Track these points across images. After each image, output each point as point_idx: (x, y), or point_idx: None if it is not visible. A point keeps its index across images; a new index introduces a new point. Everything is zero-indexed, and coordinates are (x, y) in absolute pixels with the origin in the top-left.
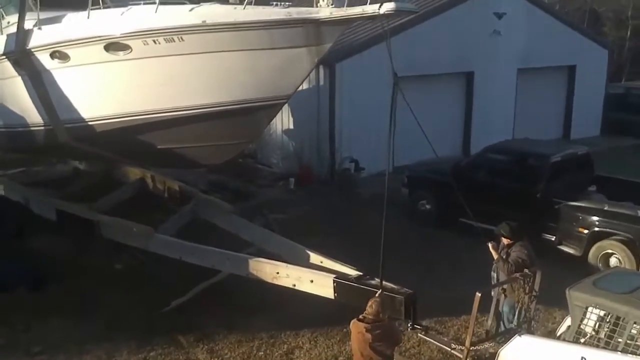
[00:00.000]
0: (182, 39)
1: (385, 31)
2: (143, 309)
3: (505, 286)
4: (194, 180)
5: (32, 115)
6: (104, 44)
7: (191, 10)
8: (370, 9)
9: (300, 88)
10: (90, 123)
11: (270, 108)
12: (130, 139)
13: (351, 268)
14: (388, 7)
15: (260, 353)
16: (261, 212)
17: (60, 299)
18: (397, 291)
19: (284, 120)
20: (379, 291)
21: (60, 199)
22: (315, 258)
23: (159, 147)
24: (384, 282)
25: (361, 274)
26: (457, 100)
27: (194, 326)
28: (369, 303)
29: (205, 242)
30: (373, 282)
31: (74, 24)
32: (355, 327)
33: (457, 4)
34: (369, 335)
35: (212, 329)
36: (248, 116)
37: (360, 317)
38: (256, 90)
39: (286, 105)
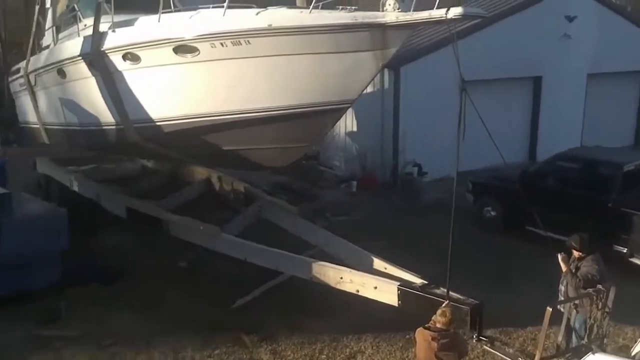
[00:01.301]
0: (248, 42)
1: (452, 35)
2: (207, 307)
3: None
4: (257, 182)
5: (105, 114)
6: (173, 46)
7: (258, 13)
8: (437, 13)
9: (364, 91)
10: (158, 123)
11: (335, 112)
12: (196, 140)
13: (416, 276)
14: (455, 11)
15: (322, 356)
16: (323, 214)
17: (129, 294)
18: (463, 301)
19: (347, 123)
20: (446, 301)
21: (129, 196)
22: (379, 264)
23: (224, 148)
24: (450, 292)
25: (426, 282)
26: (524, 105)
27: (257, 326)
28: (438, 312)
29: (266, 242)
30: (438, 291)
31: (145, 26)
32: (422, 335)
33: (527, 7)
34: (435, 344)
35: (274, 330)
36: (312, 119)
37: (427, 325)
38: (321, 93)
39: (350, 108)
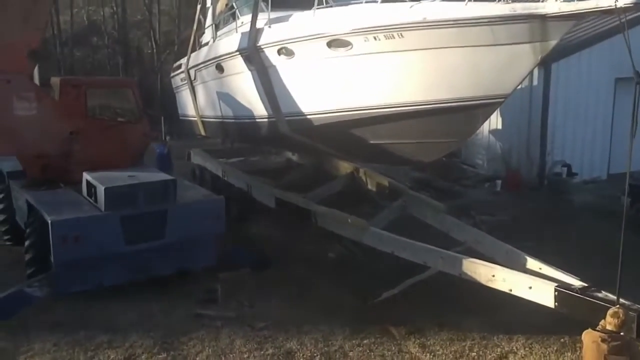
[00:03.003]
0: (402, 35)
1: (622, 25)
2: (355, 298)
3: None
4: (397, 178)
5: (258, 107)
6: (327, 41)
7: (412, 7)
8: (606, 2)
9: None
10: (308, 116)
11: (487, 107)
12: (344, 133)
13: (574, 277)
14: (626, 0)
15: (472, 353)
16: (468, 213)
17: (279, 281)
18: (630, 307)
19: (492, 121)
20: (616, 306)
21: (276, 187)
22: (533, 264)
23: (371, 142)
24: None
25: (586, 284)
26: None
27: (405, 320)
28: (610, 312)
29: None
30: (599, 294)
31: (299, 22)
32: (590, 336)
33: None
34: (604, 346)
35: (422, 324)
36: (464, 115)
37: (597, 328)
38: (475, 88)
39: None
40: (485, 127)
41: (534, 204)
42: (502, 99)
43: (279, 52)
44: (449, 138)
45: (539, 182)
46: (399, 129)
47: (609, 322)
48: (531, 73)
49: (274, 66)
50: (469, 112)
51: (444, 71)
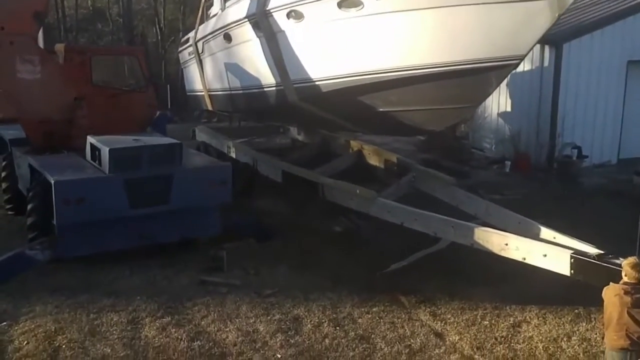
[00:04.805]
0: None
1: None
2: (363, 269)
3: None
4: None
5: (266, 75)
6: (338, 0)
7: None
8: None
9: (521, 69)
10: (317, 83)
11: (501, 69)
12: (353, 101)
13: (590, 245)
14: None
15: (485, 322)
16: (476, 191)
17: (285, 252)
18: None
19: (500, 103)
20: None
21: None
22: (547, 233)
23: (380, 109)
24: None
25: (602, 252)
26: None
27: (415, 290)
28: (629, 264)
29: None
30: (617, 261)
31: None
32: (612, 289)
33: None
34: (627, 299)
35: (432, 294)
36: (476, 77)
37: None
38: (488, 48)
39: (504, 87)
40: (494, 110)
41: (543, 184)
42: (517, 61)
43: (288, 15)
44: (461, 104)
45: (549, 164)
46: (409, 95)
47: (629, 275)
48: (542, 53)
49: (283, 31)
50: (482, 75)
51: (456, 31)
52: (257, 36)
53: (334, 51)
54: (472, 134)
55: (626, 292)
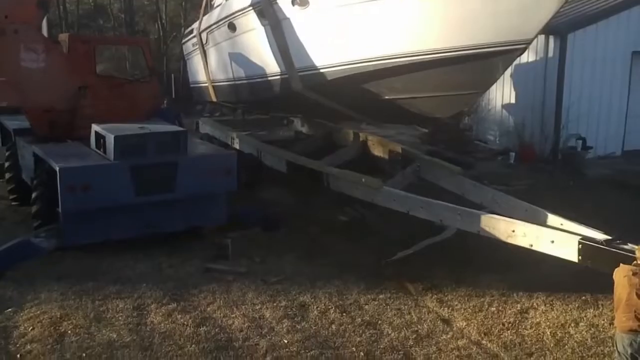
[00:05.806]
0: None
1: None
2: (369, 257)
3: None
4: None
5: (270, 65)
6: None
7: None
8: None
9: (525, 59)
10: (322, 70)
11: (507, 54)
12: (358, 89)
13: (598, 231)
14: None
15: (492, 308)
16: (481, 182)
17: (291, 240)
18: None
19: (505, 95)
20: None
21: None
22: (554, 220)
23: (385, 97)
24: None
25: (610, 237)
26: None
27: (421, 277)
28: None
29: None
30: (626, 246)
31: None
32: (622, 270)
33: None
34: (636, 280)
35: (439, 281)
36: (483, 62)
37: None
38: (494, 33)
39: (508, 78)
40: (498, 102)
41: (548, 175)
42: (524, 45)
43: (293, 2)
44: (467, 90)
45: (553, 155)
46: (415, 81)
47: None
48: (547, 44)
49: (288, 18)
50: (489, 60)
51: (464, 15)
52: (262, 24)
53: (339, 38)
54: (475, 126)
55: (635, 274)
